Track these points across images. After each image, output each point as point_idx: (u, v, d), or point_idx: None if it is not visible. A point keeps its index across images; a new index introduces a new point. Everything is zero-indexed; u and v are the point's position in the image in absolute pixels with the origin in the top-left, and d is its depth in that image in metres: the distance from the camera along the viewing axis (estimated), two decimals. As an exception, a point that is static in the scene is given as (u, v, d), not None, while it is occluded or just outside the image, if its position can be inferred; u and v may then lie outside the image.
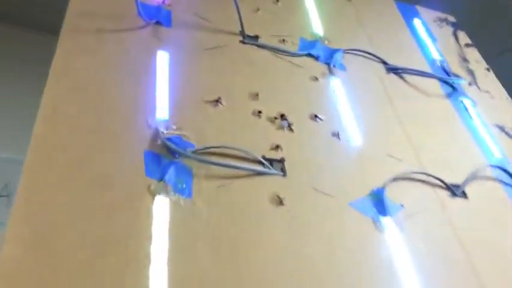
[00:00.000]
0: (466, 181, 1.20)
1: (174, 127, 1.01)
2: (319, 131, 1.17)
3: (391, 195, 1.08)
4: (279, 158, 1.05)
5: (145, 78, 1.09)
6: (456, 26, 1.86)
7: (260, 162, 1.02)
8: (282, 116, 1.16)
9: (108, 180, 0.87)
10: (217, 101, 1.11)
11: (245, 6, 1.37)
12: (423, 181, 1.17)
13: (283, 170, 1.03)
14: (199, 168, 0.96)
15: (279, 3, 1.54)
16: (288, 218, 0.95)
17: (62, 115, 0.94)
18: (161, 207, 0.86)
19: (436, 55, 1.65)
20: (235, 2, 1.29)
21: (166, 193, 0.88)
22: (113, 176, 0.88)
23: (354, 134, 1.20)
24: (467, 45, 1.80)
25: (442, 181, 1.17)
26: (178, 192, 0.90)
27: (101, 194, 0.84)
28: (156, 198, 0.87)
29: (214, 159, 0.98)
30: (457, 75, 1.60)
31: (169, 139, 0.97)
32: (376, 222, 1.02)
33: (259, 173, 1.00)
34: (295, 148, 1.10)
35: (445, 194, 1.16)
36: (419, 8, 1.88)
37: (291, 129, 1.14)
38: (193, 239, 0.84)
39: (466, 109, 1.48)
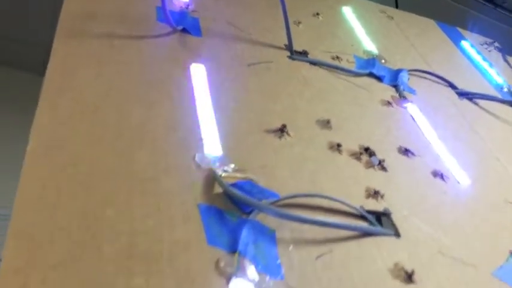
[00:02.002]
0: None
1: (233, 166, 0.67)
2: (418, 171, 0.86)
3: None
4: (382, 210, 0.73)
5: (179, 97, 0.76)
6: (503, 51, 1.65)
7: (362, 217, 0.69)
8: (367, 150, 0.84)
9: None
10: (282, 130, 0.79)
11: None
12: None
13: (392, 227, 0.70)
14: (281, 229, 0.61)
15: (320, 17, 1.27)
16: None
17: (58, 151, 0.58)
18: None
19: (499, 80, 1.40)
20: (284, 10, 1.00)
21: (246, 273, 0.53)
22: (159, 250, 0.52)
23: (459, 175, 0.90)
24: (521, 71, 1.57)
25: None
26: (263, 270, 0.55)
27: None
28: (232, 283, 0.52)
29: (298, 213, 0.65)
30: (529, 102, 1.35)
31: (236, 185, 0.63)
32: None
33: (366, 234, 0.67)
34: (397, 194, 0.77)
35: None
36: (461, 30, 1.66)
37: (383, 168, 0.82)
38: None
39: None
